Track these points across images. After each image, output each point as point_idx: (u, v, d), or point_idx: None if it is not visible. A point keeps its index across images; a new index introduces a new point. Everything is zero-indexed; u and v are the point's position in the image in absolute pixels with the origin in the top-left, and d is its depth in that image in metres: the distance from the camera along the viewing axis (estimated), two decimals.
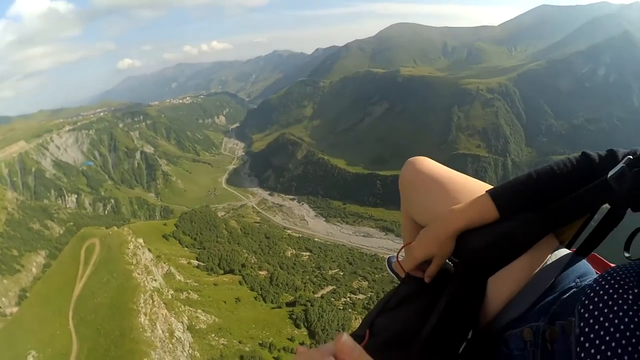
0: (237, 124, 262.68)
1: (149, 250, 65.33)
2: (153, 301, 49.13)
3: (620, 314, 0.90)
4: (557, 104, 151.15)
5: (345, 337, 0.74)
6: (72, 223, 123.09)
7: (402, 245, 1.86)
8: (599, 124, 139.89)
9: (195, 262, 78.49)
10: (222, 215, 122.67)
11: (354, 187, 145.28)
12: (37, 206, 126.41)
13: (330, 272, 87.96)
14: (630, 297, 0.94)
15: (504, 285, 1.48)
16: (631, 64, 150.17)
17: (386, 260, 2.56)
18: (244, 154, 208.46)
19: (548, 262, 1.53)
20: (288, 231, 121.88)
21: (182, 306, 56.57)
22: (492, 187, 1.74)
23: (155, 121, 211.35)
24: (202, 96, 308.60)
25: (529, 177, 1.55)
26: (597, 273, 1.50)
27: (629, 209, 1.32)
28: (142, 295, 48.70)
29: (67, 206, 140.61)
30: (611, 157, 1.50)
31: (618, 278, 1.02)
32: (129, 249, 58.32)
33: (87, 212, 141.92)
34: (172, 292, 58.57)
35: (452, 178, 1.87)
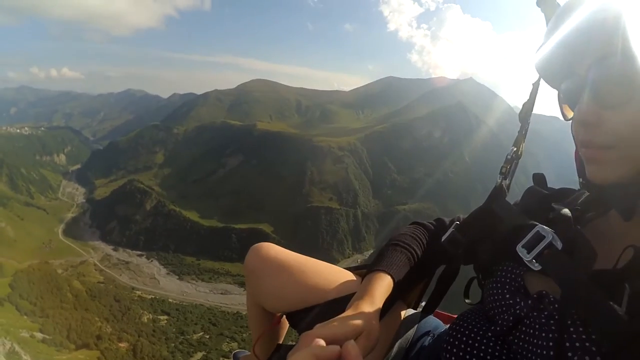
0: (79, 165, 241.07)
1: None
2: None
3: (481, 347, 1.08)
4: (399, 161, 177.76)
5: (353, 342, 0.83)
6: None
7: (257, 336, 1.96)
8: (436, 178, 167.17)
9: (40, 335, 70.25)
10: (60, 273, 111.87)
11: (208, 242, 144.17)
12: None
13: (195, 337, 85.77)
14: (481, 331, 1.13)
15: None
16: (463, 127, 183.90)
17: (232, 356, 2.58)
18: (84, 200, 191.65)
19: (402, 323, 1.71)
20: (138, 292, 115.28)
21: None
22: (335, 266, 1.98)
23: None
24: (43, 128, 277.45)
25: (407, 250, 1.53)
26: (445, 325, 1.76)
27: (463, 264, 1.52)
28: None
29: None
30: (440, 224, 1.68)
31: (468, 319, 1.21)
32: None
33: None
34: None
35: (297, 261, 1.92)
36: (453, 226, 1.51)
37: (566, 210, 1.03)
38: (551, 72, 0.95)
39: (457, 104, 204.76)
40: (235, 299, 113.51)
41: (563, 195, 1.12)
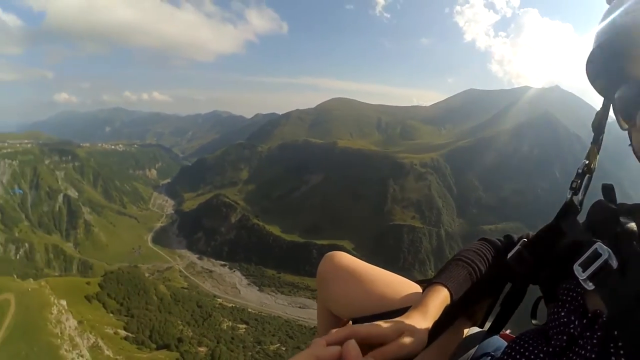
0: (169, 180, 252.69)
1: (72, 315, 57.60)
2: None
3: None
4: (485, 178, 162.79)
5: (353, 342, 0.82)
6: None
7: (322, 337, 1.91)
8: (524, 196, 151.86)
9: (123, 333, 69.92)
10: (147, 277, 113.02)
11: (289, 256, 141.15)
12: None
13: (272, 347, 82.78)
14: (536, 350, 1.11)
15: None
16: (552, 140, 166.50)
17: None
18: (173, 212, 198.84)
19: (463, 341, 1.65)
20: (219, 300, 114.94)
21: None
22: (403, 278, 2.02)
23: (84, 164, 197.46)
24: (136, 145, 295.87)
25: (469, 266, 1.52)
26: None
27: (530, 283, 1.47)
28: None
29: None
30: (508, 241, 1.62)
31: (525, 339, 1.19)
32: (52, 313, 50.70)
33: None
34: None
35: (367, 271, 2.00)
36: (520, 243, 1.50)
37: (632, 225, 0.99)
38: (600, 79, 0.87)
39: (544, 114, 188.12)
40: (313, 314, 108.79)
41: (637, 209, 1.05)
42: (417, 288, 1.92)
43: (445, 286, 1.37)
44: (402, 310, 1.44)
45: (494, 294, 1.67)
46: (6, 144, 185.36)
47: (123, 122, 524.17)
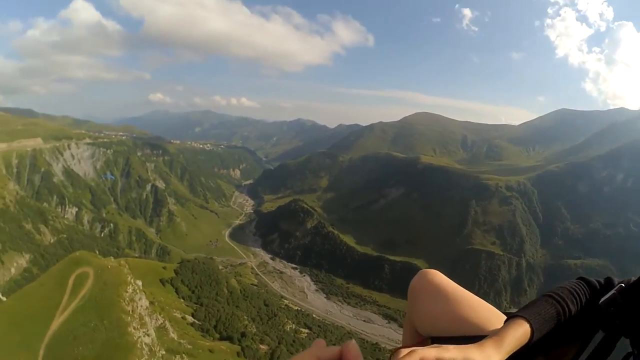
0: (251, 181, 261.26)
1: (145, 295, 58.70)
2: None
3: None
4: (574, 207, 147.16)
5: (353, 342, 0.83)
6: (65, 235, 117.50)
7: (399, 346, 1.87)
8: (615, 229, 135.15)
9: (190, 319, 71.10)
10: (220, 269, 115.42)
11: (360, 268, 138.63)
12: (36, 207, 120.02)
13: None
14: None
15: None
16: None
17: None
18: (252, 211, 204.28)
19: None
20: (286, 301, 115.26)
21: None
22: (491, 306, 2.00)
23: (173, 159, 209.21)
24: (222, 146, 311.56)
25: (558, 304, 1.44)
26: None
27: (622, 335, 1.35)
28: None
29: (65, 217, 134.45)
30: (607, 284, 1.53)
31: None
32: (126, 292, 51.72)
33: (84, 229, 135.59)
34: (164, 352, 50.47)
35: (456, 292, 2.02)
36: (616, 288, 1.39)
37: None
38: None
39: None
40: (377, 330, 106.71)
41: None
42: (502, 317, 1.86)
43: (528, 321, 1.30)
44: (481, 337, 1.41)
45: (582, 340, 1.55)
46: (102, 135, 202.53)
47: (212, 124, 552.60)
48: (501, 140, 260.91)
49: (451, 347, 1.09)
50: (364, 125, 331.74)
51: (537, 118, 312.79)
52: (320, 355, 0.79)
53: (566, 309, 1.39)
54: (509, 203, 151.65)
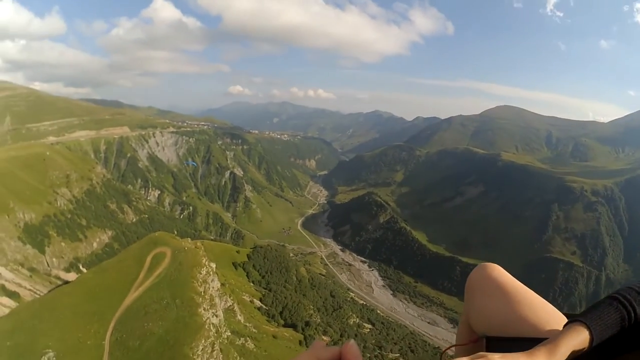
0: (326, 172, 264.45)
1: (217, 277, 61.06)
2: (212, 350, 43.48)
3: None
4: None
5: (353, 342, 0.84)
6: (147, 216, 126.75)
7: (448, 347, 1.90)
8: None
9: (258, 303, 73.65)
10: (291, 257, 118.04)
11: (431, 267, 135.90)
12: (121, 188, 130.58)
13: (390, 356, 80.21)
14: None
15: None
16: None
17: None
18: (325, 202, 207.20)
19: None
20: (352, 294, 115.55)
21: (238, 358, 50.16)
22: (551, 306, 1.88)
23: (252, 148, 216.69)
24: (299, 137, 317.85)
25: (624, 308, 1.38)
26: None
27: None
28: (203, 342, 43.10)
29: (148, 199, 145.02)
30: None
31: None
32: (200, 273, 54.10)
33: (165, 210, 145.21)
34: (229, 333, 52.84)
35: (516, 290, 1.91)
36: None
37: None
38: None
39: None
40: (441, 333, 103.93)
41: None
42: (563, 321, 1.68)
43: (588, 327, 1.24)
44: (537, 340, 1.35)
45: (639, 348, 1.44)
46: (185, 124, 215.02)
47: (289, 115, 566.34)
48: (588, 138, 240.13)
49: (496, 356, 1.05)
50: (442, 118, 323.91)
51: (628, 115, 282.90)
52: (320, 356, 0.79)
53: (632, 314, 1.31)
54: (594, 209, 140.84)
